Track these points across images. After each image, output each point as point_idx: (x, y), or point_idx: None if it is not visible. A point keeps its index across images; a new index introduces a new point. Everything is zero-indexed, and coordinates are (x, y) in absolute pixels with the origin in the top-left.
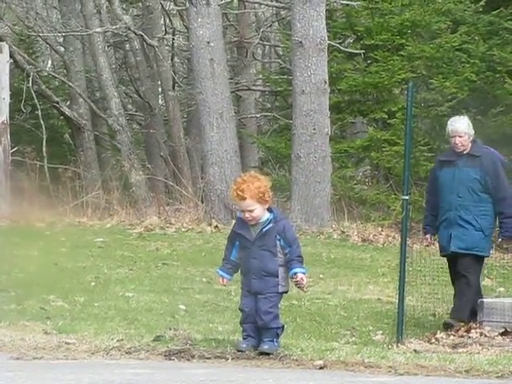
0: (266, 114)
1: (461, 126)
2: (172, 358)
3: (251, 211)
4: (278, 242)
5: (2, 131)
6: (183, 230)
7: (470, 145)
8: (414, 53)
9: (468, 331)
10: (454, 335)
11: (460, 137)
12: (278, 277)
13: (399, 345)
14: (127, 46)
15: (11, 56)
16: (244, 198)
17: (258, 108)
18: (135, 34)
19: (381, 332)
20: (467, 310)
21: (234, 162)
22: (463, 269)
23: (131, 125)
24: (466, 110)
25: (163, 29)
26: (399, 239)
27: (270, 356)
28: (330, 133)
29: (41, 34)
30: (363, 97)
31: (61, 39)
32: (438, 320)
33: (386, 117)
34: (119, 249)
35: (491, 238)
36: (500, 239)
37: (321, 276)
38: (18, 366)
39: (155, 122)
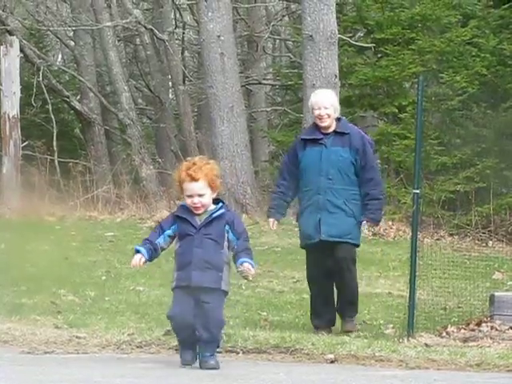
0: (277, 107)
1: (326, 97)
2: None
3: (201, 196)
4: (226, 234)
5: (13, 125)
6: None
7: (334, 122)
8: (424, 47)
9: (479, 325)
10: (464, 329)
11: (326, 108)
12: (222, 272)
13: (410, 339)
14: (137, 40)
15: (21, 50)
16: (196, 179)
17: (268, 102)
18: (145, 28)
19: (391, 326)
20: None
21: (245, 156)
22: (341, 260)
23: (141, 119)
24: (477, 104)
25: (173, 23)
26: (410, 233)
27: (281, 350)
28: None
29: (51, 28)
30: (374, 91)
31: (71, 33)
32: (448, 314)
33: (397, 111)
34: (130, 243)
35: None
36: (364, 221)
37: None
38: (29, 360)
39: (166, 116)
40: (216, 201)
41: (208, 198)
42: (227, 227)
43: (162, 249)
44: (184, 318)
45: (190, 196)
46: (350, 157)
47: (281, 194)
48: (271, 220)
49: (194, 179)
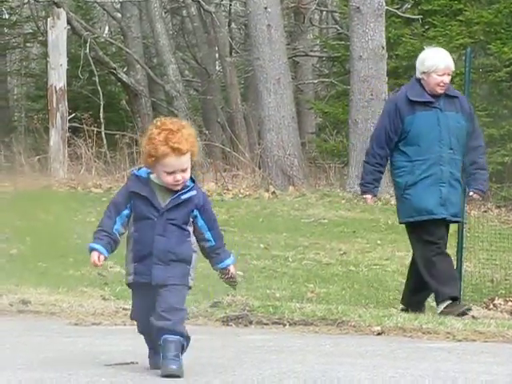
0: (324, 79)
1: (452, 61)
2: (230, 323)
3: (184, 170)
4: (191, 219)
5: (60, 97)
6: (240, 195)
7: None
8: (472, 18)
9: None
10: None
11: (448, 75)
12: (190, 264)
13: None
14: (184, 11)
15: (68, 22)
16: (183, 153)
17: (315, 74)
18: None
19: None
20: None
21: (291, 128)
22: (445, 241)
23: (188, 91)
24: None
25: None
26: None
27: (328, 322)
28: (387, 98)
29: (98, 0)
30: None
31: (118, 5)
32: (496, 286)
33: None
34: None
35: None
36: (472, 193)
37: (378, 242)
38: (77, 331)
39: (212, 88)
40: None
41: (189, 170)
42: (195, 212)
43: (122, 234)
44: (143, 319)
45: (172, 173)
46: (465, 123)
47: (378, 165)
48: (369, 196)
49: (181, 153)
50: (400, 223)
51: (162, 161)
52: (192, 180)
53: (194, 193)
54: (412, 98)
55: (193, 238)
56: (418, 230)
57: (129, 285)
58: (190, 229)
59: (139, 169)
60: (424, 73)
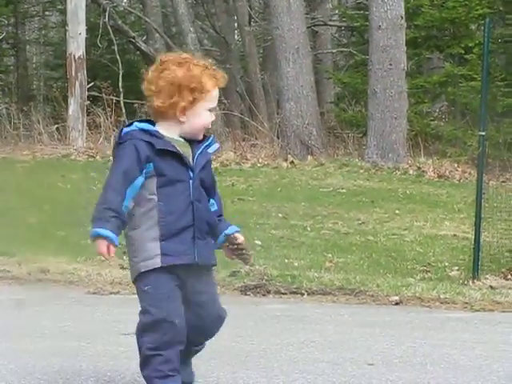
0: (343, 49)
1: None
2: (248, 293)
3: None
4: None
5: (79, 66)
6: (259, 165)
7: None
8: None
9: None
10: None
11: None
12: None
13: (475, 281)
14: None
15: None
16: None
17: (334, 43)
18: None
19: (456, 268)
20: None
21: (310, 98)
22: None
23: (207, 60)
24: None
25: None
26: (475, 175)
27: (346, 291)
28: (406, 68)
29: None
30: (440, 32)
31: None
32: None
33: (463, 52)
34: None
35: None
36: None
37: (397, 212)
38: (95, 300)
39: (231, 58)
40: None
41: None
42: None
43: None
44: (182, 319)
45: (212, 109)
46: None
47: None
48: None
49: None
50: None
51: (208, 95)
52: None
53: (218, 145)
54: None
55: None
56: None
57: (147, 272)
58: None
59: (131, 124)
60: None
